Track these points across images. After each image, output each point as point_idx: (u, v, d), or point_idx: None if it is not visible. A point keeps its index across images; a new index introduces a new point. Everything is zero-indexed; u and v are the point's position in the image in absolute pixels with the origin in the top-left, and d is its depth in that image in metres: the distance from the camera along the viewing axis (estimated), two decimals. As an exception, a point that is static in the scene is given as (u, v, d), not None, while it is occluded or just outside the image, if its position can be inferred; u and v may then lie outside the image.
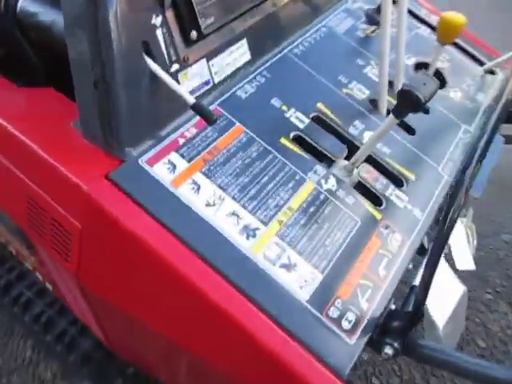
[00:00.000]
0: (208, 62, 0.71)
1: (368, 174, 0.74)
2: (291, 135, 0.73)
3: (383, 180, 0.75)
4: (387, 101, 0.83)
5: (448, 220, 0.54)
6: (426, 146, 0.83)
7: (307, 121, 0.76)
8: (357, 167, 0.73)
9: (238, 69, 0.77)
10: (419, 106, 0.58)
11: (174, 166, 0.64)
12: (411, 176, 0.77)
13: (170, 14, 0.63)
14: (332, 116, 0.79)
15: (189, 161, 0.65)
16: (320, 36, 0.90)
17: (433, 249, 0.56)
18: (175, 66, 0.65)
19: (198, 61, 0.69)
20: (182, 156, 0.65)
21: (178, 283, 0.57)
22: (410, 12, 1.04)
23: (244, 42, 0.77)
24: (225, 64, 0.74)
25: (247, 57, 0.78)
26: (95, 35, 0.56)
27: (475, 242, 0.98)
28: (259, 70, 0.79)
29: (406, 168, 0.78)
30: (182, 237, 0.58)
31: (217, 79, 0.73)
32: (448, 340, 0.74)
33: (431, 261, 0.57)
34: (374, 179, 0.74)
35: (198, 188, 0.63)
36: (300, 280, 0.60)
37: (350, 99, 0.83)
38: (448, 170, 0.81)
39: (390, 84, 0.84)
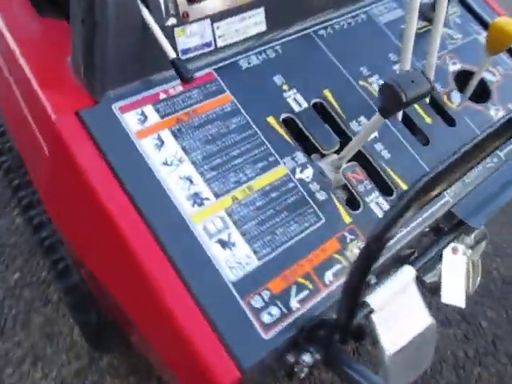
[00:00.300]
0: (212, 23, 0.69)
1: (354, 174, 0.69)
2: (282, 116, 0.70)
3: (368, 184, 0.68)
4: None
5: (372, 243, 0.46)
6: (436, 160, 0.74)
7: (306, 105, 0.72)
8: (344, 163, 0.68)
9: (249, 38, 0.74)
10: (400, 105, 0.52)
11: (145, 119, 0.63)
12: (405, 187, 0.70)
13: (174, -36, 0.62)
14: (336, 106, 0.73)
15: (162, 117, 0.64)
16: (356, 22, 0.84)
17: (351, 273, 0.48)
18: (172, 20, 0.64)
19: (200, 20, 0.67)
20: (157, 110, 0.64)
21: (111, 231, 0.57)
22: (475, 15, 0.93)
23: (261, 10, 0.73)
24: (233, 29, 0.71)
25: (262, 27, 0.75)
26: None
27: (478, 279, 0.88)
28: (272, 44, 0.75)
29: (403, 179, 0.71)
30: (127, 187, 0.58)
31: (220, 43, 0.71)
32: (397, 371, 0.68)
33: (349, 283, 0.49)
34: (358, 181, 0.68)
35: (161, 145, 0.62)
36: (232, 260, 0.57)
37: (365, 93, 0.76)
38: (454, 191, 0.73)
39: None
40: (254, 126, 0.67)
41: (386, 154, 0.72)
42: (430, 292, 0.86)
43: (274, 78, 0.72)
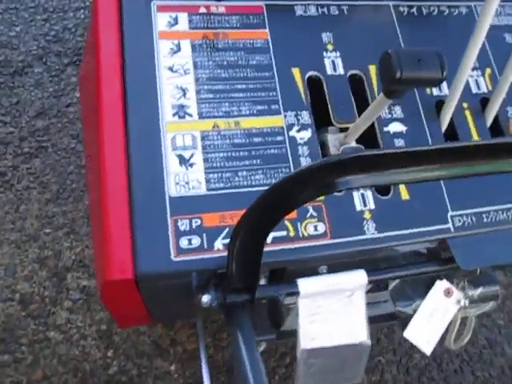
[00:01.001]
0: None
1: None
2: (310, 73, 0.66)
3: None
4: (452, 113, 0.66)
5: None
6: (460, 184, 0.65)
7: (341, 72, 0.67)
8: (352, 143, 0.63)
9: (318, -12, 0.70)
10: (392, 82, 0.46)
11: (175, 23, 0.65)
12: (405, 195, 0.63)
13: None
14: (375, 85, 0.67)
15: (191, 28, 0.65)
16: (450, 12, 0.74)
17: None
18: None
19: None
20: (190, 21, 0.65)
21: (97, 114, 0.60)
22: None
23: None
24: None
25: (335, -17, 0.70)
26: None
27: (466, 339, 0.76)
28: (340, 2, 0.71)
29: (407, 186, 0.63)
30: (126, 76, 0.60)
31: (283, -18, 0.68)
32: (310, 371, 0.63)
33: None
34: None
35: (176, 51, 0.63)
36: (182, 178, 0.57)
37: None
38: (462, 221, 0.63)
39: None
40: (274, 70, 0.65)
41: (402, 154, 0.64)
42: (400, 322, 0.77)
43: (323, 35, 0.68)
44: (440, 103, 0.68)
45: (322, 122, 0.65)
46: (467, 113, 0.68)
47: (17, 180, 1.56)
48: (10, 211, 1.52)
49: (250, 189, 0.59)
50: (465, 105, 0.69)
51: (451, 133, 0.67)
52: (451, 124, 0.67)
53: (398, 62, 0.45)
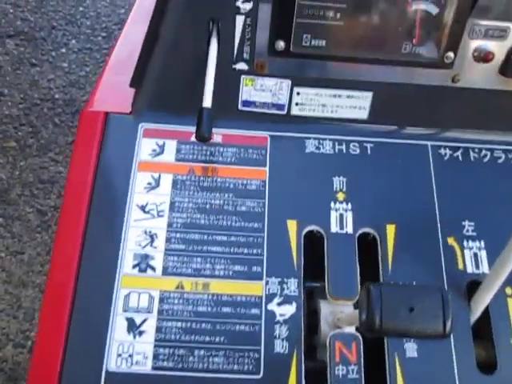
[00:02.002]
0: (293, 86, 0.56)
1: (345, 348, 0.50)
2: (309, 228, 0.54)
3: (355, 372, 0.49)
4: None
5: None
6: None
7: (349, 231, 0.54)
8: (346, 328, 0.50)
9: (336, 119, 0.58)
10: (370, 330, 0.33)
11: (160, 152, 0.56)
12: None
13: (266, 5, 0.50)
14: (390, 249, 0.54)
15: (178, 159, 0.56)
16: (506, 160, 0.59)
17: None
18: (241, 65, 0.54)
19: (278, 77, 0.55)
20: (178, 150, 0.57)
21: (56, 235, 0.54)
22: None
23: (369, 96, 0.57)
24: (319, 102, 0.57)
25: (361, 114, 0.58)
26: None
27: None
28: (363, 138, 0.58)
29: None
30: (91, 207, 0.52)
31: (295, 111, 0.58)
32: None
33: None
34: (343, 361, 0.49)
35: (154, 187, 0.55)
36: (127, 350, 0.48)
37: (445, 257, 0.54)
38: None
39: None
40: (265, 221, 0.54)
41: (412, 353, 0.50)
42: None
43: (334, 179, 0.56)
44: (474, 285, 0.53)
45: (316, 276, 0.53)
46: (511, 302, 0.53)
47: (55, 222, 1.58)
48: (41, 253, 1.52)
49: (205, 374, 0.48)
50: (509, 291, 0.53)
51: (483, 326, 0.52)
52: (486, 314, 0.52)
53: (379, 307, 0.32)
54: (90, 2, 2.17)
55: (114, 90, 0.59)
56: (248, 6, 0.50)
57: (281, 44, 0.51)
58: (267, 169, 0.56)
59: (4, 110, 1.81)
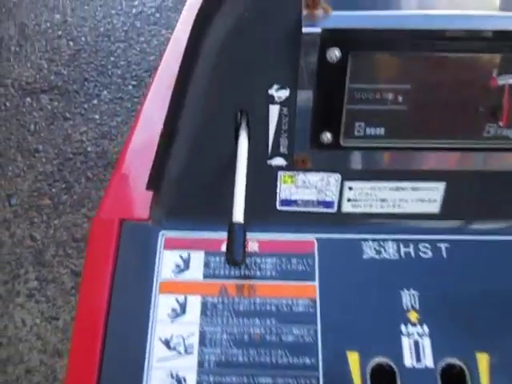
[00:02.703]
0: (344, 181, 0.45)
1: None
2: (376, 360, 0.42)
3: None
4: None
5: None
6: None
7: (428, 364, 0.42)
8: None
9: (401, 215, 0.47)
10: None
11: (185, 268, 0.46)
12: None
13: (305, 92, 0.40)
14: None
15: (206, 276, 0.46)
16: None
17: None
18: (278, 161, 0.44)
19: (324, 171, 0.45)
20: (206, 264, 0.46)
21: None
22: None
23: (441, 187, 0.45)
24: (377, 197, 0.46)
25: (431, 208, 0.46)
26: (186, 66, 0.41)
27: None
28: (436, 237, 0.46)
29: None
30: (107, 335, 0.43)
31: (347, 208, 0.47)
32: None
33: None
34: None
35: (179, 314, 0.45)
36: None
37: None
38: None
39: None
40: (319, 354, 0.42)
41: None
42: None
43: (403, 293, 0.45)
44: None
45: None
46: None
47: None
48: (76, 318, 1.47)
49: None
50: None
51: None
52: None
53: None
54: (121, 52, 2.18)
55: (129, 192, 0.51)
56: (283, 93, 0.40)
57: (327, 136, 0.41)
58: (317, 283, 0.45)
59: (38, 166, 1.80)
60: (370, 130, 0.41)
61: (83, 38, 2.23)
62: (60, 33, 2.23)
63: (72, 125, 1.92)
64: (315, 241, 0.47)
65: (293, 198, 0.46)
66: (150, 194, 0.48)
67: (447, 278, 0.45)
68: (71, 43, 2.19)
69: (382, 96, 0.39)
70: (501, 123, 0.39)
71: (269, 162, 0.44)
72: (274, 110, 0.41)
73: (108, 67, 2.12)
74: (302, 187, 0.46)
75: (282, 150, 0.43)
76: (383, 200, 0.46)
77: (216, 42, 0.38)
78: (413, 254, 0.46)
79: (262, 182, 0.45)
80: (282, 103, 0.41)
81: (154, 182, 0.47)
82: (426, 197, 0.46)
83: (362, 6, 0.37)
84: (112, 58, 2.15)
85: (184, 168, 0.46)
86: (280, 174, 0.45)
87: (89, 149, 1.85)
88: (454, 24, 0.36)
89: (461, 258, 0.46)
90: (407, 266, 0.46)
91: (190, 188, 0.47)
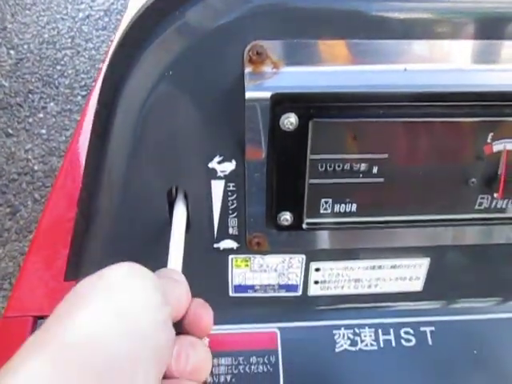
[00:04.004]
0: (310, 261, 0.37)
1: None
2: None
3: None
4: None
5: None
6: None
7: None
8: None
9: (377, 296, 0.39)
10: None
11: None
12: None
13: (255, 167, 0.31)
14: None
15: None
16: None
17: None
18: (227, 243, 0.35)
19: (283, 253, 0.36)
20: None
21: None
22: None
23: (425, 263, 0.37)
24: (350, 278, 0.38)
25: (413, 286, 0.39)
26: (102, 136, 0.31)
27: None
28: (419, 319, 0.39)
29: None
30: None
31: (314, 291, 0.38)
32: None
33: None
34: None
35: None
36: None
37: None
38: None
39: None
40: None
41: None
42: None
43: (384, 396, 0.37)
44: None
45: None
46: None
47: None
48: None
49: None
50: None
51: None
52: None
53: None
54: (68, 60, 2.02)
55: (44, 282, 0.40)
56: (228, 166, 0.31)
57: (287, 217, 0.32)
58: (282, 388, 0.37)
59: (-22, 191, 1.65)
60: (339, 207, 0.33)
61: (25, 46, 2.06)
62: (-1, 41, 2.06)
63: (16, 142, 1.76)
64: (278, 332, 0.38)
65: (247, 283, 0.38)
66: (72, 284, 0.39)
67: (436, 372, 0.38)
68: (12, 52, 2.02)
69: (352, 167, 0.31)
70: (496, 194, 0.32)
71: (216, 245, 0.35)
72: (217, 186, 0.32)
73: (54, 77, 1.96)
74: (259, 271, 0.37)
75: (232, 231, 0.34)
76: (357, 280, 0.38)
77: (132, 111, 0.28)
78: (394, 343, 0.38)
79: (209, 268, 0.36)
80: (228, 178, 0.32)
81: (74, 272, 0.37)
82: (408, 275, 0.38)
83: (320, 57, 0.29)
84: (58, 67, 1.99)
85: (109, 253, 0.36)
86: (231, 257, 0.36)
87: (35, 167, 1.70)
88: (441, 82, 0.28)
89: (451, 344, 0.38)
90: (387, 358, 0.38)
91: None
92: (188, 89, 0.29)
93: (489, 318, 0.39)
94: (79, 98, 1.93)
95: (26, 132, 1.81)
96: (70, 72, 2.00)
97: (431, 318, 0.39)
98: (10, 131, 1.81)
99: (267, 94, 0.27)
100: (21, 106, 1.89)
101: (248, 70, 0.28)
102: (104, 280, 0.22)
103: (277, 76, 0.28)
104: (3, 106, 1.89)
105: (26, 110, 1.87)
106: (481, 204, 0.33)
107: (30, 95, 1.93)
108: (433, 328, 0.39)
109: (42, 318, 0.38)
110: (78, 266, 0.37)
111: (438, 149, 0.31)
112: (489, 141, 0.30)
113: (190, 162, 0.31)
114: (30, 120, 1.84)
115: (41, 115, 1.85)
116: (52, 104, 1.90)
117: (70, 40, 2.10)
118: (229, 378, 0.37)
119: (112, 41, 2.04)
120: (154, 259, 0.36)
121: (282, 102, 0.27)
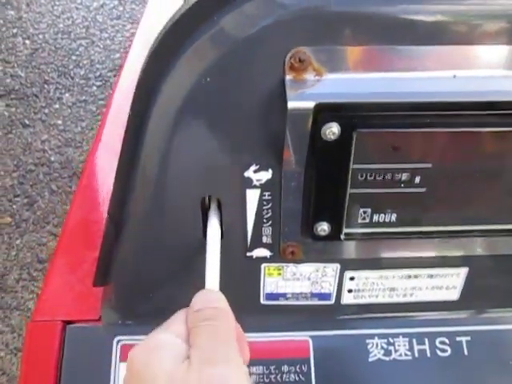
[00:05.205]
0: (344, 270, 0.36)
1: None
2: None
3: None
4: None
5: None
6: None
7: None
8: None
9: (412, 305, 0.38)
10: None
11: (148, 385, 0.37)
12: None
13: (292, 177, 0.30)
14: None
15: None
16: None
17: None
18: (260, 252, 0.34)
19: (318, 262, 0.35)
20: None
21: None
22: None
23: (462, 272, 0.36)
24: (385, 287, 0.37)
25: (449, 295, 0.38)
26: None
27: None
28: (454, 329, 0.38)
29: None
30: None
31: (349, 300, 0.37)
32: None
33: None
34: None
35: None
36: None
37: None
38: None
39: None
40: None
41: None
42: None
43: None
44: None
45: None
46: None
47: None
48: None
49: None
50: None
51: None
52: None
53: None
54: (83, 50, 2.02)
55: (72, 286, 0.40)
56: (264, 175, 0.30)
57: (324, 228, 0.31)
58: (315, 399, 0.36)
59: (-4, 181, 1.66)
60: (378, 217, 0.31)
61: (41, 36, 2.06)
62: (15, 31, 2.05)
63: (32, 132, 1.76)
64: (310, 340, 0.38)
65: (279, 291, 0.37)
66: (101, 290, 0.38)
67: (469, 380, 0.37)
68: (28, 42, 2.02)
69: (393, 177, 0.30)
70: (544, 204, 0.31)
71: (248, 253, 0.34)
72: (252, 195, 0.31)
73: (69, 67, 1.96)
74: (292, 279, 0.36)
75: (265, 240, 0.34)
76: (392, 289, 0.37)
77: (166, 119, 0.27)
78: (428, 353, 0.37)
79: (241, 276, 0.36)
80: (263, 187, 0.31)
81: (103, 278, 0.36)
82: (444, 284, 0.37)
83: (364, 64, 0.27)
84: (73, 57, 1.99)
85: (140, 260, 0.36)
86: (264, 265, 0.35)
87: (52, 158, 1.70)
88: (493, 89, 0.27)
89: (487, 355, 0.37)
90: (423, 368, 0.37)
91: (148, 284, 0.37)
92: (225, 96, 0.28)
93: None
94: (94, 88, 1.93)
95: (42, 123, 1.81)
96: (85, 62, 1.99)
97: (467, 328, 0.38)
98: (27, 122, 1.82)
99: (311, 104, 0.26)
100: (37, 97, 1.90)
101: (289, 77, 0.26)
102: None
103: (319, 84, 0.26)
104: (20, 97, 1.90)
105: (42, 101, 1.87)
106: (526, 214, 0.32)
107: (46, 86, 1.93)
108: (469, 338, 0.38)
109: (71, 322, 0.38)
110: (107, 273, 0.37)
111: (482, 158, 0.29)
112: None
113: (225, 170, 0.30)
114: (46, 111, 1.85)
115: (56, 106, 1.86)
116: (67, 95, 1.90)
117: (84, 30, 2.09)
118: (261, 387, 0.37)
119: (127, 31, 2.03)
120: (186, 268, 0.35)
121: (324, 111, 0.26)
